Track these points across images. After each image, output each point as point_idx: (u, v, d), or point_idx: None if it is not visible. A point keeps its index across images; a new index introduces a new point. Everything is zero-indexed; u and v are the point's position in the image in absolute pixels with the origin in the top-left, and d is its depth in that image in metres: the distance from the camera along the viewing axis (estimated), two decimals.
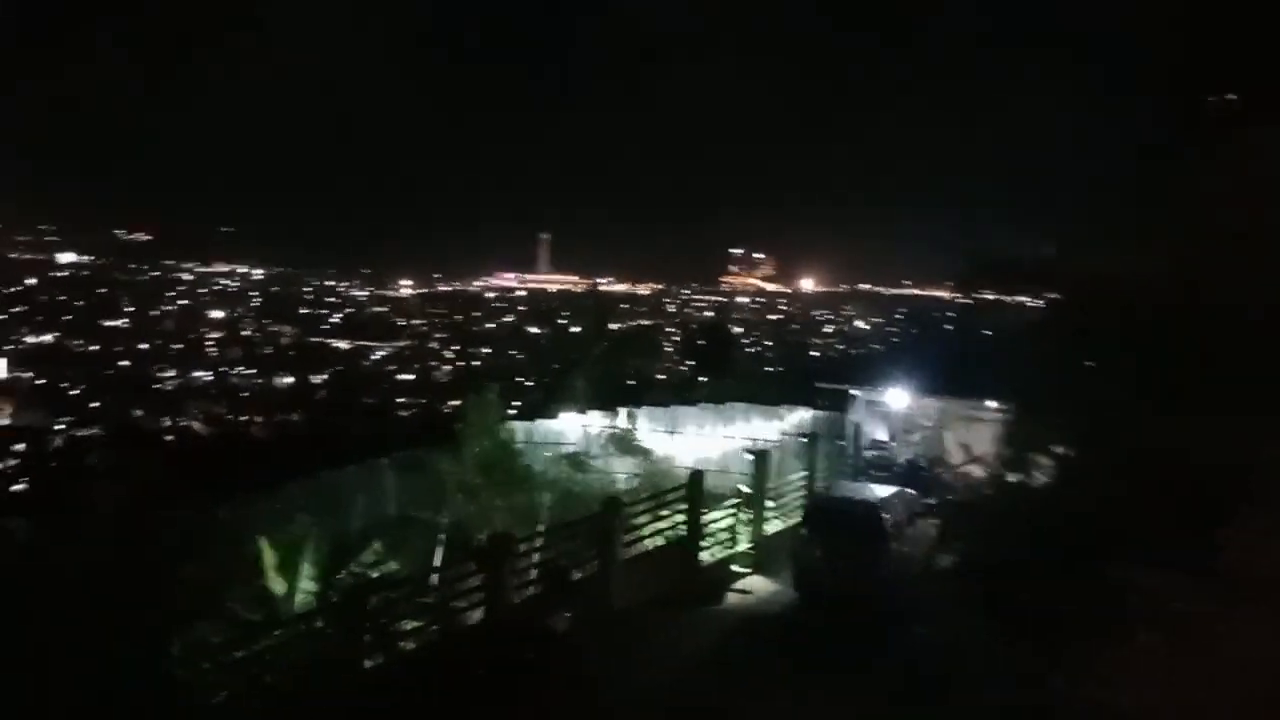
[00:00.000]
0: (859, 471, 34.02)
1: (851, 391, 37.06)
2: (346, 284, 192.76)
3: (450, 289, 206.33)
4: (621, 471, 33.27)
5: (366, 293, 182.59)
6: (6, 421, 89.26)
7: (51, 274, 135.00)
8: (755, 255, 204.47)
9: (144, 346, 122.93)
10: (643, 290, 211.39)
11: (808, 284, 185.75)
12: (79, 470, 54.05)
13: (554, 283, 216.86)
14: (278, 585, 21.79)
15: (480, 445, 28.93)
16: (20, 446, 70.79)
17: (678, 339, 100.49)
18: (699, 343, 68.64)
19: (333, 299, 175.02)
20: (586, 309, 52.22)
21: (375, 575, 22.62)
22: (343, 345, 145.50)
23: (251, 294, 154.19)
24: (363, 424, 66.37)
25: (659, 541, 26.52)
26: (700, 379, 57.13)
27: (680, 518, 26.83)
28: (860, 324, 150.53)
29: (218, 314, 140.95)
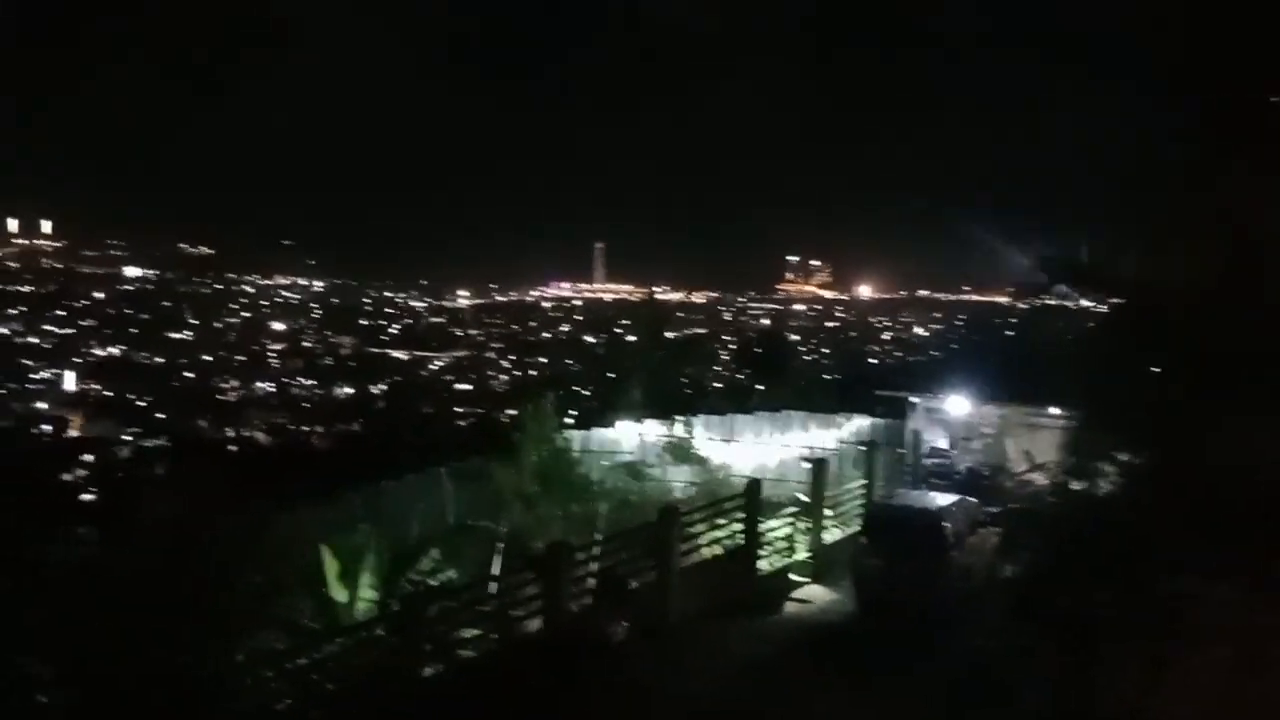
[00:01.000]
0: (919, 479, 33.72)
1: (911, 398, 36.77)
2: (404, 295, 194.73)
3: (506, 299, 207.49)
4: (678, 480, 33.30)
5: (424, 304, 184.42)
6: (76, 433, 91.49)
7: (118, 288, 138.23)
8: (811, 262, 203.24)
9: (207, 358, 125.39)
10: (698, 298, 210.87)
11: (865, 290, 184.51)
12: (146, 480, 55.21)
13: (610, 292, 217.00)
14: (339, 593, 22.07)
15: (537, 454, 29.08)
16: (89, 458, 72.34)
17: (734, 347, 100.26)
18: (755, 350, 68.65)
19: (391, 310, 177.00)
20: (642, 317, 52.32)
21: (434, 584, 22.83)
22: (401, 356, 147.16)
23: (312, 306, 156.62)
24: (421, 433, 67.01)
25: (716, 551, 26.46)
26: (757, 387, 57.05)
27: (738, 526, 26.75)
28: (919, 330, 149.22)
29: (279, 326, 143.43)
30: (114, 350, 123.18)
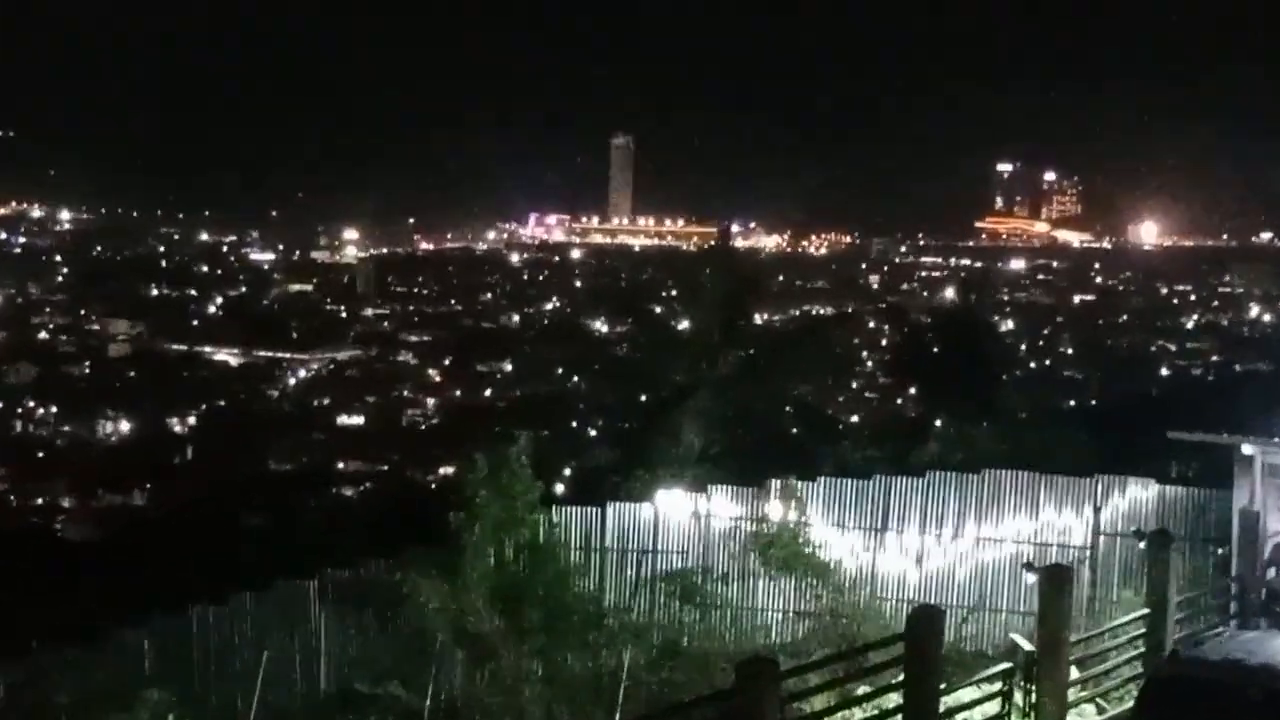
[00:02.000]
0: (1257, 609, 33.49)
1: (1243, 447, 36.50)
2: (234, 238, 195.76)
3: (438, 248, 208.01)
4: (776, 608, 33.58)
5: (272, 255, 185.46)
6: None
7: None
8: (1045, 179, 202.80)
9: None
10: (815, 247, 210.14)
11: (1147, 234, 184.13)
12: None
13: (638, 233, 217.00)
14: None
15: (497, 554, 29.30)
16: None
17: (885, 341, 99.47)
18: (928, 349, 68.11)
19: (209, 267, 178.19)
20: (706, 283, 52.15)
21: None
22: (229, 356, 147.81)
23: (56, 258, 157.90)
24: (270, 511, 67.06)
25: None
26: (931, 421, 56.83)
27: (894, 698, 26.70)
28: (1257, 311, 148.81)
29: None
30: None
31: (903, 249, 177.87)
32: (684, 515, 36.06)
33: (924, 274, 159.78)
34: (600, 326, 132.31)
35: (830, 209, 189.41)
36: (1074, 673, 29.64)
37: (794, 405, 54.07)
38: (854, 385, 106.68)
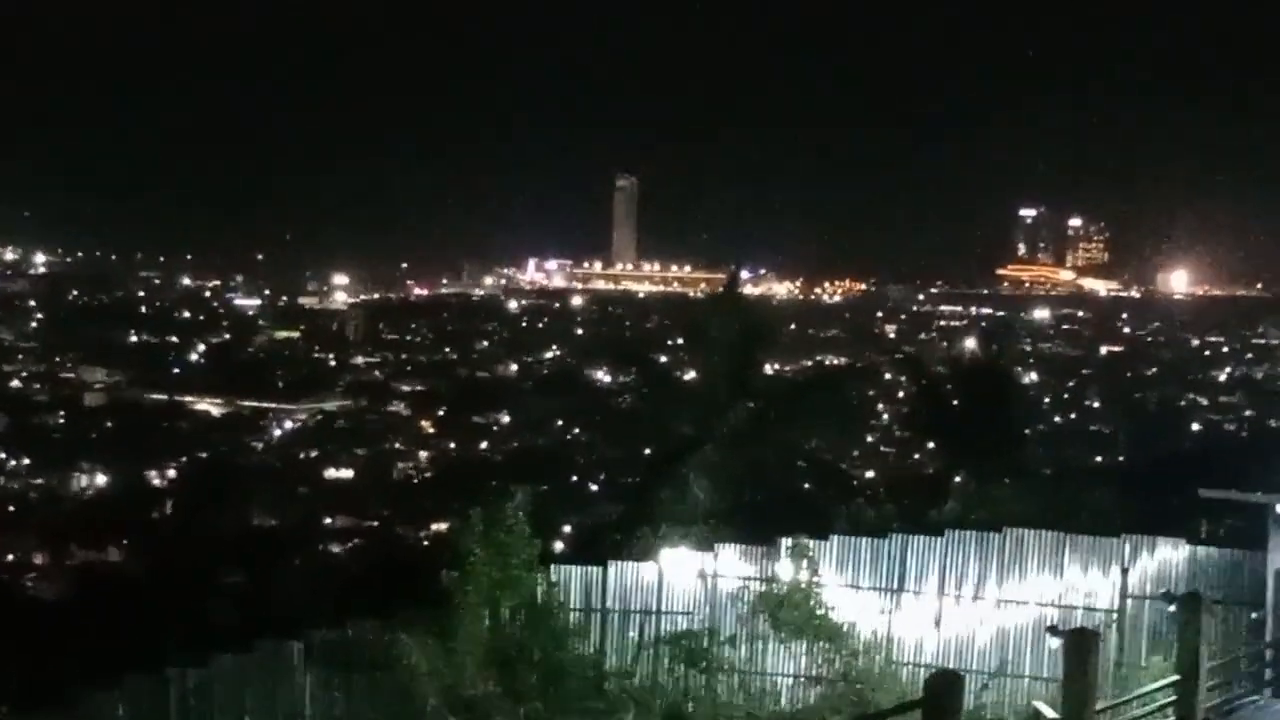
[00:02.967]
0: None
1: (1278, 507, 36.52)
2: (217, 282, 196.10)
3: (432, 294, 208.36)
4: (787, 672, 33.63)
5: (257, 300, 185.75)
6: None
7: None
8: (1069, 225, 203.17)
9: None
10: (828, 295, 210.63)
11: (1177, 283, 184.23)
12: None
13: (642, 278, 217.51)
14: None
15: (493, 616, 29.32)
16: None
17: (902, 394, 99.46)
18: (947, 401, 68.11)
19: (191, 312, 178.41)
20: (710, 332, 52.26)
21: None
22: (211, 406, 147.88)
23: (28, 301, 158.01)
24: (252, 570, 67.09)
25: None
26: (950, 477, 56.88)
27: None
28: None
29: None
30: None
31: (920, 297, 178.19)
32: (690, 575, 36.04)
33: (943, 323, 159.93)
34: (602, 377, 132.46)
35: (844, 255, 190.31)
36: None
37: (806, 460, 54.21)
38: (869, 439, 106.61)
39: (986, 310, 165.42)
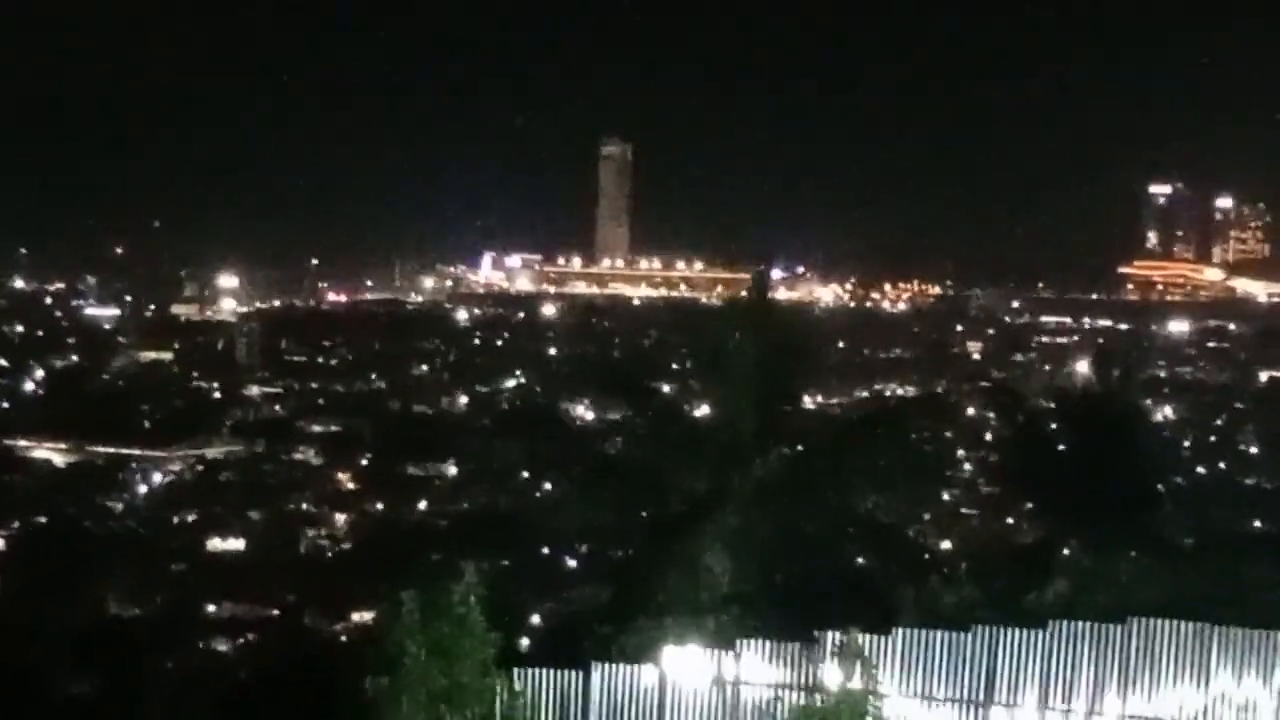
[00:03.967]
0: None
1: None
2: (62, 286, 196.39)
3: (352, 301, 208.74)
4: None
5: (115, 310, 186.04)
6: None
7: None
8: (1216, 208, 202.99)
9: None
10: (890, 301, 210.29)
11: None
12: None
13: (637, 279, 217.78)
14: None
15: None
16: None
17: (990, 435, 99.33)
18: (1051, 446, 68.30)
19: (26, 326, 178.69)
20: (730, 352, 52.30)
21: None
22: (53, 453, 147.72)
23: None
24: (103, 671, 67.19)
25: None
26: (1055, 549, 56.97)
27: None
28: None
29: None
30: None
31: (1015, 304, 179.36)
32: (703, 682, 35.95)
33: (1046, 339, 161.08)
34: (583, 412, 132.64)
35: (911, 248, 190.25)
36: None
37: (859, 525, 54.05)
38: (946, 497, 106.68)
39: (1105, 321, 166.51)
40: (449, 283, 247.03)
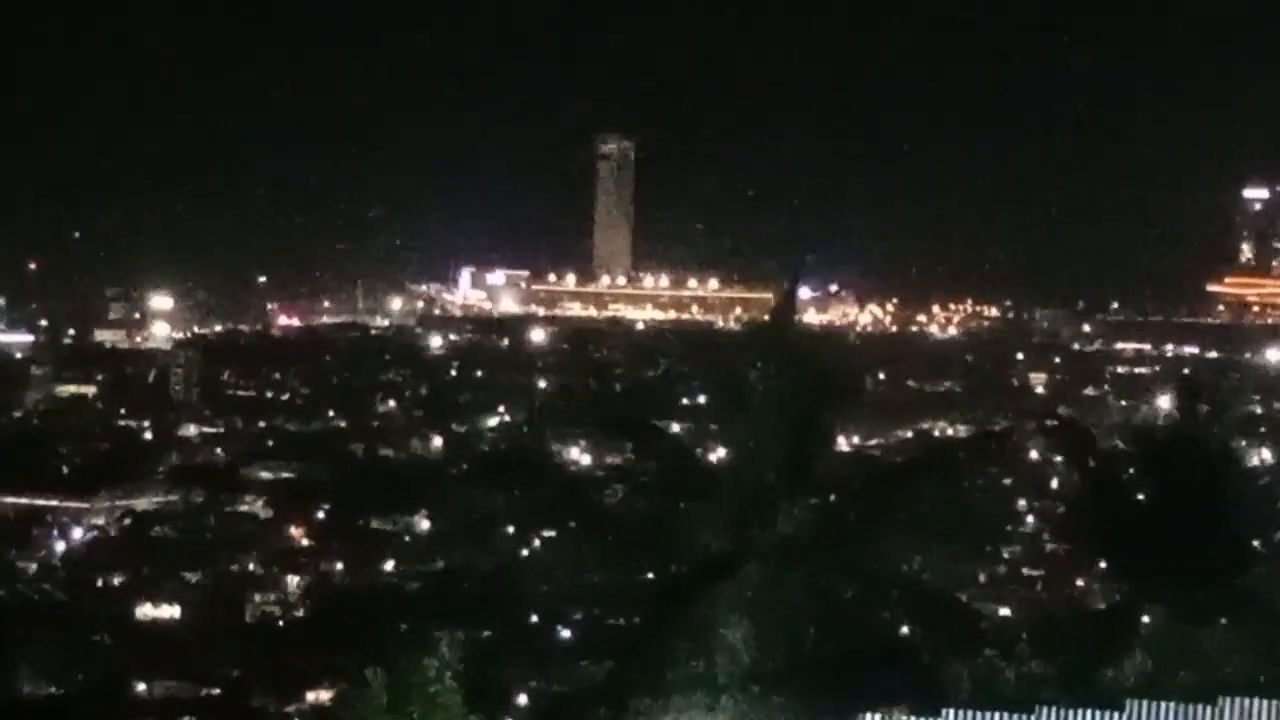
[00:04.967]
0: None
1: None
2: None
3: (307, 325, 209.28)
4: None
5: (28, 336, 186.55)
6: None
7: None
8: None
9: None
10: (939, 325, 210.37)
11: None
12: None
13: (641, 299, 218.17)
14: None
15: None
16: None
17: (1057, 482, 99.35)
18: (1128, 496, 68.38)
19: None
20: (751, 384, 52.28)
21: None
22: None
23: None
24: None
25: None
26: (1134, 616, 56.99)
27: None
28: None
29: None
30: None
31: (1086, 328, 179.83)
32: None
33: (1121, 369, 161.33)
34: (579, 456, 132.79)
35: (962, 265, 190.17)
36: None
37: (903, 588, 53.96)
38: (1006, 555, 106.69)
39: (1191, 349, 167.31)
40: (420, 304, 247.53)
